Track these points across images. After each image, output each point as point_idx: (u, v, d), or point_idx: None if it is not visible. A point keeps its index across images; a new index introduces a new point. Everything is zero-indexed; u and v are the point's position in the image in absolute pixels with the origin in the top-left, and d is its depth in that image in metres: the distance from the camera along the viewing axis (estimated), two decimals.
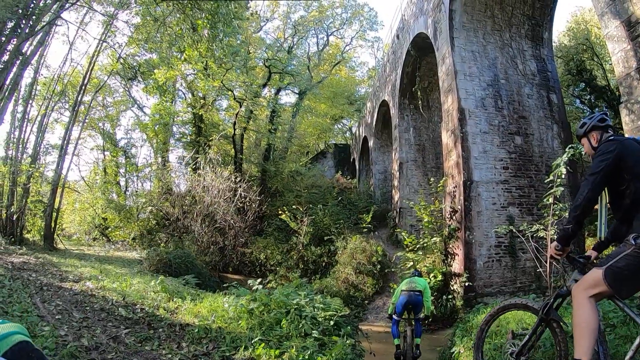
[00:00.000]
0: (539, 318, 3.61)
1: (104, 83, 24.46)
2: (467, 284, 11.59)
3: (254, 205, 21.16)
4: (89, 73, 19.08)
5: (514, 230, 11.27)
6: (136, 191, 28.34)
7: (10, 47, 10.19)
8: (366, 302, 14.36)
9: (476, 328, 6.19)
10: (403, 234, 13.99)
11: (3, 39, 9.75)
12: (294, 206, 19.34)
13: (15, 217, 15.29)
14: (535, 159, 13.07)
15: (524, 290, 12.04)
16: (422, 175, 19.23)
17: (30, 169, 16.39)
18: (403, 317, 7.78)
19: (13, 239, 14.70)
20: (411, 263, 12.91)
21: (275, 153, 28.97)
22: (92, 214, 24.21)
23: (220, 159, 23.86)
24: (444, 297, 11.98)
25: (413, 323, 7.63)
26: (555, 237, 3.52)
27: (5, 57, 10.19)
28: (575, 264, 3.43)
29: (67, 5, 12.11)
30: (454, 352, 6.57)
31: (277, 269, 17.99)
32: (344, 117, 43.02)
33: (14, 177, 15.58)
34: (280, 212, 19.49)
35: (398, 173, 19.51)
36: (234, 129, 25.45)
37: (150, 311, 6.85)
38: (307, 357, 4.79)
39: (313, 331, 5.47)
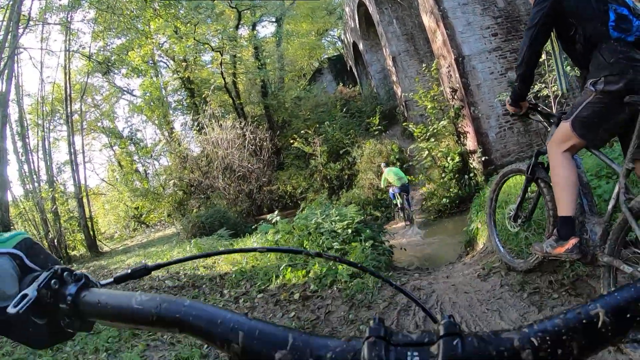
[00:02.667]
0: (526, 178, 3.64)
1: (85, 86, 24.48)
2: (484, 158, 11.71)
3: (265, 143, 21.33)
4: (68, 83, 19.26)
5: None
6: (156, 171, 28.68)
7: None
8: (385, 224, 14.50)
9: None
10: (411, 126, 14.04)
11: None
12: (302, 131, 19.31)
13: (55, 241, 15.87)
14: (523, 18, 12.62)
15: (543, 153, 12.03)
16: (418, 63, 18.77)
17: (50, 193, 16.84)
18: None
19: (62, 261, 14.96)
20: (426, 152, 13.03)
21: (272, 86, 28.68)
22: (124, 208, 25.12)
23: (221, 112, 24.06)
24: (466, 176, 12.17)
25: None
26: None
27: None
28: (551, 119, 3.42)
29: (23, 32, 12.01)
30: (472, 229, 6.71)
31: (306, 195, 18.26)
32: (329, 28, 41.97)
33: (40, 207, 16.10)
34: (292, 140, 19.52)
35: (394, 68, 19.20)
36: (224, 78, 25.18)
37: (191, 273, 7.17)
38: (328, 268, 5.03)
39: (334, 243, 5.73)
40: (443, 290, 4.47)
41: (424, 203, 13.24)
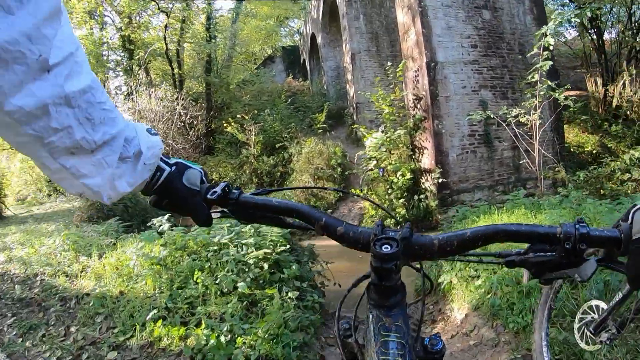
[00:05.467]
0: None
1: None
2: (440, 180, 10.18)
3: (196, 122, 19.56)
4: None
5: (491, 116, 9.69)
6: None
7: None
8: (329, 211, 12.66)
9: None
10: (362, 129, 12.26)
11: None
12: (238, 115, 17.34)
13: None
14: (506, 36, 11.34)
15: (503, 184, 10.88)
16: (377, 66, 17.25)
17: None
18: None
19: None
20: (374, 162, 11.32)
21: (218, 64, 26.42)
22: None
23: (158, 81, 21.66)
24: (416, 197, 10.54)
25: None
26: None
27: None
28: None
29: None
30: (442, 282, 4.88)
31: None
32: (289, 17, 40.16)
33: None
34: (225, 124, 17.63)
35: (351, 65, 17.52)
36: (166, 44, 22.78)
37: (48, 283, 5.23)
38: (222, 337, 3.15)
39: (239, 284, 3.78)
40: None
41: (361, 223, 11.53)
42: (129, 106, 18.37)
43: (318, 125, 16.90)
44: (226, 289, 3.76)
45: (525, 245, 0.87)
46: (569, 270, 0.82)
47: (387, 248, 0.80)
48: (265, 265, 3.99)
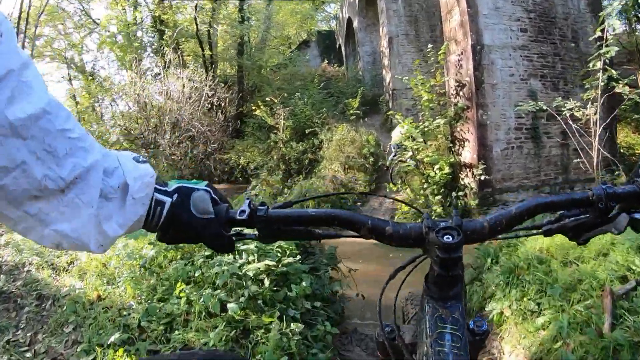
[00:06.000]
0: None
1: (45, 5, 21.64)
2: (483, 177, 9.25)
3: (223, 104, 19.13)
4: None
5: (544, 108, 8.74)
6: (113, 114, 25.63)
7: None
8: (358, 204, 12.02)
9: (527, 267, 3.91)
10: (397, 116, 11.33)
11: None
12: (267, 98, 16.55)
13: None
14: (559, 21, 10.29)
15: (549, 185, 9.91)
16: (416, 51, 16.23)
17: None
18: None
19: None
20: (410, 153, 10.47)
21: (252, 46, 25.77)
22: None
23: (188, 62, 21.50)
24: (454, 194, 9.68)
25: None
26: None
27: None
28: None
29: None
30: (491, 311, 3.89)
31: (259, 172, 15.73)
32: (326, 1, 39.29)
33: None
34: (254, 107, 16.86)
35: (388, 50, 16.53)
36: (196, 24, 22.27)
37: (32, 275, 4.64)
38: None
39: (230, 303, 2.98)
40: None
41: (393, 219, 10.66)
42: (158, 87, 18.05)
43: (351, 111, 16.06)
44: (214, 310, 2.98)
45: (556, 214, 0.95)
46: (605, 227, 0.91)
47: (448, 238, 0.81)
48: (267, 281, 3.19)
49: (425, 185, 10.04)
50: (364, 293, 4.58)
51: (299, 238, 0.99)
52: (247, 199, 0.93)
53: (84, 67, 28.57)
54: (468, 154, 9.89)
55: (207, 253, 3.61)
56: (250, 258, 3.35)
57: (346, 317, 4.62)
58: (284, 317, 3.03)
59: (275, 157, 15.73)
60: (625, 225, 0.86)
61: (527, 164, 9.82)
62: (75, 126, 0.69)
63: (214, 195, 0.92)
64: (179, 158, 16.73)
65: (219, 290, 3.11)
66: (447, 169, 9.79)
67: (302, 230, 0.96)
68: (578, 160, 8.57)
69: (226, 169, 17.95)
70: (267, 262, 3.24)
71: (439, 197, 9.65)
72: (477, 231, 0.88)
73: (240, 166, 16.99)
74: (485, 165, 9.31)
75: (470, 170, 9.76)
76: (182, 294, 3.23)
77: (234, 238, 0.93)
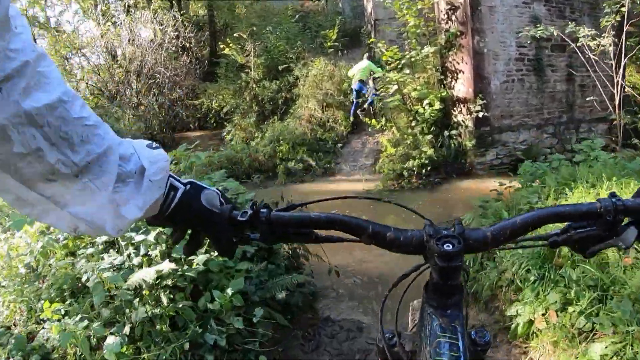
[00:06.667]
0: None
1: None
2: (480, 113, 8.30)
3: (189, 46, 18.13)
4: None
5: (555, 33, 7.62)
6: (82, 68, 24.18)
7: None
8: (339, 145, 11.25)
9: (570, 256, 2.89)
10: (380, 44, 10.27)
11: None
12: (235, 34, 15.39)
13: None
14: None
15: (553, 124, 9.12)
16: None
17: None
18: None
19: None
20: (395, 87, 9.43)
21: None
22: None
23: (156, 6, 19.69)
24: (446, 133, 8.78)
25: None
26: None
27: None
28: None
29: None
30: (515, 316, 2.83)
31: (232, 116, 14.97)
32: None
33: None
34: (223, 46, 15.78)
35: None
36: None
37: None
38: None
39: (110, 334, 1.83)
40: None
41: (377, 162, 9.67)
42: (122, 33, 16.99)
43: (329, 44, 14.70)
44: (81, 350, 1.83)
45: (562, 226, 0.91)
46: (612, 240, 0.87)
47: (449, 246, 0.80)
48: (164, 298, 2.03)
49: (413, 124, 9.13)
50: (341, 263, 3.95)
51: (300, 240, 0.98)
52: (250, 201, 0.92)
53: (48, 23, 26.77)
54: (462, 87, 8.88)
55: (90, 250, 2.45)
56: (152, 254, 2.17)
57: (318, 297, 4.01)
58: (202, 344, 1.90)
59: (247, 98, 14.80)
60: (634, 240, 0.84)
61: (529, 100, 8.91)
62: (90, 114, 0.70)
63: (221, 198, 0.91)
64: (147, 108, 15.83)
65: (90, 314, 1.95)
66: (437, 105, 8.86)
67: (303, 232, 0.93)
68: (592, 98, 7.73)
69: (199, 115, 17.30)
70: (168, 264, 2.06)
71: (429, 136, 8.76)
72: (479, 240, 0.85)
73: (214, 111, 16.26)
74: (483, 101, 8.34)
75: (464, 106, 8.80)
76: (54, 316, 2.15)
77: (234, 240, 0.92)
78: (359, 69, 11.07)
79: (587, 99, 8.29)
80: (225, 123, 14.87)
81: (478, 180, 8.40)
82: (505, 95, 8.70)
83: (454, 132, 8.83)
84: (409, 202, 8.01)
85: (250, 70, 14.77)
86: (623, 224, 0.84)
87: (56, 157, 0.64)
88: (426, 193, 8.24)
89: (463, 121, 8.86)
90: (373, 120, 10.13)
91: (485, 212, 4.40)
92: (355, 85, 11.26)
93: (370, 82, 11.12)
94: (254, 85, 14.57)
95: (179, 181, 0.87)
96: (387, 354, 1.01)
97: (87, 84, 17.47)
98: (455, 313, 0.85)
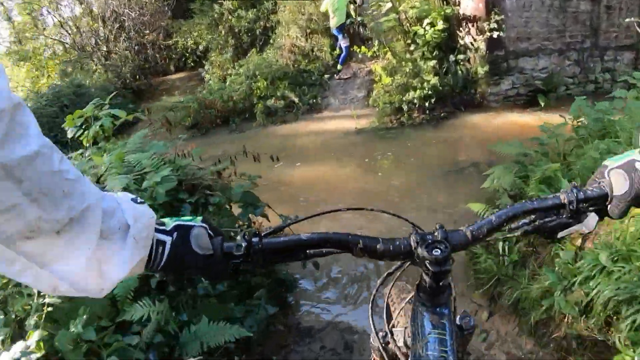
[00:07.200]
0: None
1: None
2: (494, 33, 7.34)
3: None
4: None
5: None
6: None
7: None
8: (326, 76, 10.40)
9: None
10: None
11: None
12: None
13: None
14: None
15: (576, 50, 8.18)
16: None
17: None
18: None
19: None
20: (388, 4, 8.39)
21: None
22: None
23: None
24: (452, 58, 7.83)
25: None
26: None
27: None
28: None
29: None
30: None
31: (210, 54, 14.41)
32: None
33: None
34: None
35: None
36: None
37: None
38: None
39: None
40: None
41: (372, 93, 8.86)
42: None
43: None
44: None
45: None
46: (577, 226, 1.00)
47: (437, 252, 0.86)
48: None
49: (412, 48, 8.24)
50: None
51: (291, 260, 0.99)
52: (241, 231, 0.92)
53: None
54: (470, 2, 7.81)
55: None
56: None
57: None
58: None
59: (223, 32, 13.93)
60: (595, 224, 0.96)
61: (549, 20, 7.93)
62: (70, 168, 0.68)
63: (209, 231, 0.90)
64: (120, 57, 15.42)
65: None
66: (440, 25, 7.92)
67: (295, 253, 0.95)
68: (628, 19, 7.19)
69: (175, 56, 16.53)
70: None
71: (431, 62, 7.83)
72: (461, 241, 0.92)
73: (190, 50, 15.68)
74: (500, 16, 7.39)
75: (474, 26, 7.76)
76: None
77: (229, 271, 0.91)
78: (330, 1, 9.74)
79: (615, 23, 7.59)
80: (204, 62, 14.46)
81: (491, 113, 7.65)
82: (522, 14, 7.69)
83: (461, 56, 7.86)
84: (410, 140, 7.37)
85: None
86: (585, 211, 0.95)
87: (37, 214, 0.61)
88: (430, 130, 7.48)
89: (472, 44, 7.85)
90: (362, 47, 9.09)
91: (525, 171, 3.30)
92: (334, 30, 10.02)
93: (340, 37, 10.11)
94: (229, 16, 13.60)
95: (164, 231, 0.82)
96: (382, 352, 1.12)
97: (52, 39, 17.09)
98: (444, 310, 0.94)
